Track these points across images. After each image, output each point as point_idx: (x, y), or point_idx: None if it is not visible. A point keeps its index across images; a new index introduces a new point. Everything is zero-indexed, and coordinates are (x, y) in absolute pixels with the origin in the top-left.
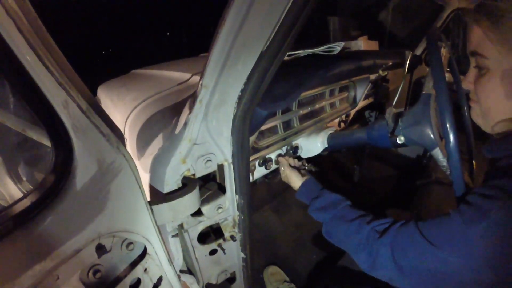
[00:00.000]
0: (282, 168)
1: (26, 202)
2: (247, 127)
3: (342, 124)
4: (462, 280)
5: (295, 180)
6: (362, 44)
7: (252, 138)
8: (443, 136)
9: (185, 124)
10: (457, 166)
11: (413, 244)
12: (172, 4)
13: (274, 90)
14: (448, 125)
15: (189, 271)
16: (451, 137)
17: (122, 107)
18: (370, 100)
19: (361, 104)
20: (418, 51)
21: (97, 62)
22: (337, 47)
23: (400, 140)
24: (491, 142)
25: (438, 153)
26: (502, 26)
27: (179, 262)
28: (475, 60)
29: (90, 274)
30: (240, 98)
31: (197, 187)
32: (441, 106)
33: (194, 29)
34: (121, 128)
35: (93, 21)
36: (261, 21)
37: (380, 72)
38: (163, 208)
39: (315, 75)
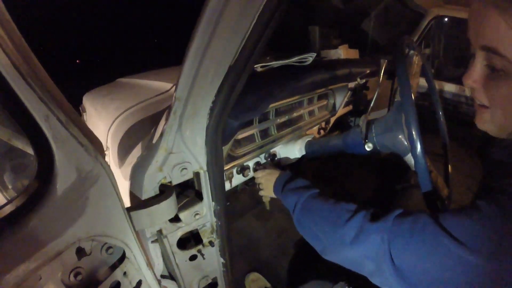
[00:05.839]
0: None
1: (11, 207)
2: (220, 137)
3: (322, 132)
4: None
5: (270, 179)
6: (342, 52)
7: (227, 147)
8: (409, 142)
9: (161, 134)
10: (423, 171)
11: (429, 241)
12: (161, 12)
13: (245, 101)
14: (413, 132)
15: (171, 276)
16: (417, 143)
17: (105, 116)
18: (350, 107)
19: (341, 111)
20: None
21: (85, 70)
22: (310, 57)
23: (368, 147)
24: (507, 145)
25: (411, 159)
26: None
27: (160, 267)
28: (486, 58)
29: (72, 276)
30: (211, 109)
31: (174, 194)
32: (406, 112)
33: (183, 37)
34: (104, 138)
35: (85, 29)
36: (227, 38)
37: (358, 80)
38: (141, 214)
39: (285, 86)
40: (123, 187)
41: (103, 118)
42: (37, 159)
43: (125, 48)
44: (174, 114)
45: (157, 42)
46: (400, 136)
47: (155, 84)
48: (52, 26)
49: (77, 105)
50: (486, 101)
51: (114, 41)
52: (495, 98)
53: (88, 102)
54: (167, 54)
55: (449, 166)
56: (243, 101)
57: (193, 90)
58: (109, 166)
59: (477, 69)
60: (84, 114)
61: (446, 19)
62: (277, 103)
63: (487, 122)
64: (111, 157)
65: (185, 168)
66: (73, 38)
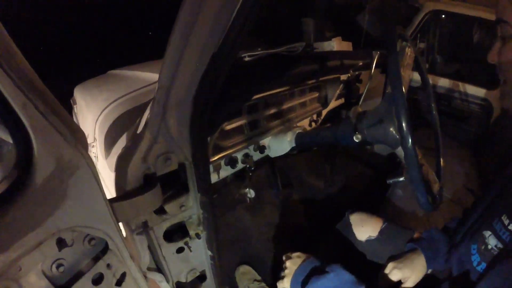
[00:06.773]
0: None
1: None
2: (205, 126)
3: (313, 124)
4: None
5: (295, 263)
6: (335, 44)
7: (213, 137)
8: (399, 133)
9: (146, 124)
10: (414, 163)
11: None
12: (156, 4)
13: (230, 90)
14: (403, 123)
15: (158, 269)
16: (407, 135)
17: (94, 107)
18: (343, 100)
19: (333, 104)
20: None
21: (79, 62)
22: (299, 47)
23: (357, 138)
24: None
25: (401, 152)
26: None
27: (146, 259)
28: (500, 29)
29: (53, 267)
30: (195, 98)
31: (158, 185)
32: (396, 102)
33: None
34: (92, 129)
35: (78, 21)
36: (211, 24)
37: (351, 72)
38: (124, 205)
39: (272, 75)
40: (110, 178)
41: (92, 110)
42: (16, 148)
43: (119, 40)
44: (158, 103)
45: (151, 34)
46: (390, 128)
47: (146, 75)
48: (48, 24)
49: (69, 97)
50: (505, 74)
51: (108, 33)
52: (505, 64)
53: (79, 94)
54: (161, 46)
55: (441, 161)
56: (228, 90)
57: (176, 79)
58: (89, 156)
59: (497, 45)
60: (75, 106)
61: (441, 14)
62: (266, 93)
63: (509, 97)
64: (98, 148)
65: (169, 159)
66: (67, 30)
